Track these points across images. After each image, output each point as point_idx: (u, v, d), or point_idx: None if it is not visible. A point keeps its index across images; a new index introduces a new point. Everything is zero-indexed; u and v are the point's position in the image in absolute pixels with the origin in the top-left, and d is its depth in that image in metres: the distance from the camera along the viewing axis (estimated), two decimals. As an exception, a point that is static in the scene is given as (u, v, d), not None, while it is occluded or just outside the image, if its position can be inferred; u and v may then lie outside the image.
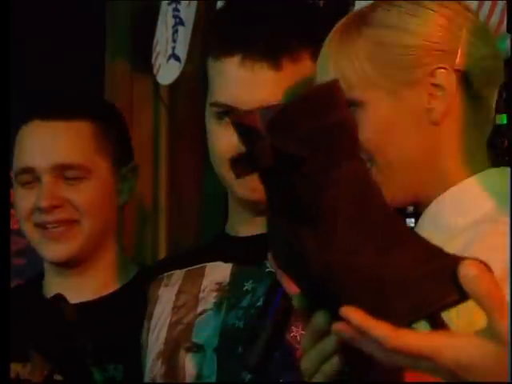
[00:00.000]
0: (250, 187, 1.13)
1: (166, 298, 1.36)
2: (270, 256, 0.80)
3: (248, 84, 1.17)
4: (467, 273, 0.61)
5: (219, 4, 1.90)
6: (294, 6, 1.26)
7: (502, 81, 1.03)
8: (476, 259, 0.63)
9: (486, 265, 0.62)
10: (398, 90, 0.96)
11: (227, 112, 1.17)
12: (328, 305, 0.66)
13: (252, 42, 1.17)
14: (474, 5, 1.44)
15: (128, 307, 1.48)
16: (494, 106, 1.01)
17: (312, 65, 1.16)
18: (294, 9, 1.25)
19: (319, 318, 0.67)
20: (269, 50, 1.15)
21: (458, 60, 0.95)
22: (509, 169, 0.99)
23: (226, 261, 1.32)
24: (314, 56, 1.11)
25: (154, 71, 2.02)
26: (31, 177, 1.47)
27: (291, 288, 0.78)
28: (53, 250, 1.47)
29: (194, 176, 2.28)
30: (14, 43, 2.09)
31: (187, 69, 1.96)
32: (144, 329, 1.36)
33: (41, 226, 1.45)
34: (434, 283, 0.63)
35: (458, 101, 0.94)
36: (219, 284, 1.33)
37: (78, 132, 1.49)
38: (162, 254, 2.16)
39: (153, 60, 2.01)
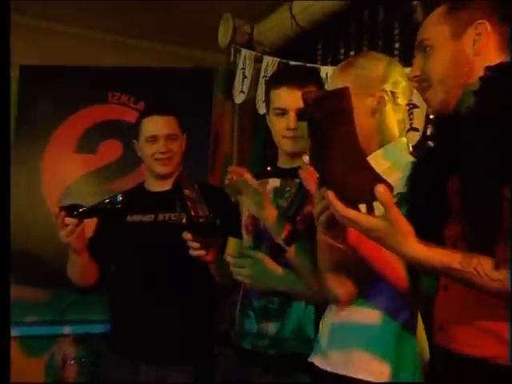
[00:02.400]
0: (285, 149, 1.75)
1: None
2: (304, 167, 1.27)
3: (289, 97, 1.70)
4: (378, 190, 1.00)
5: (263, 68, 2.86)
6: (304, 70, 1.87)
7: (408, 97, 1.51)
8: (387, 183, 1.01)
9: (391, 188, 1.01)
10: (363, 98, 1.42)
11: (282, 111, 1.71)
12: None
13: (289, 79, 1.72)
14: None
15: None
16: (405, 109, 1.49)
17: (316, 88, 1.69)
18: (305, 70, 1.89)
19: (322, 192, 1.08)
20: (296, 82, 1.69)
21: (389, 85, 1.45)
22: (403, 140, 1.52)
23: (278, 177, 1.81)
24: (318, 86, 1.72)
25: (234, 98, 3.19)
26: (154, 139, 2.13)
27: (312, 184, 1.22)
28: (162, 169, 2.17)
29: (248, 149, 3.52)
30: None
31: (247, 97, 3.10)
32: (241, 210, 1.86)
33: (159, 159, 2.13)
34: (367, 190, 1.01)
35: (390, 105, 1.44)
36: (275, 188, 1.81)
37: (172, 120, 2.19)
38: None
39: (233, 93, 3.18)
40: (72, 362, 2.72)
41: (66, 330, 2.94)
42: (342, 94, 1.04)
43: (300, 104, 1.47)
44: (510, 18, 1.21)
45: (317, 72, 1.99)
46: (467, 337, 1.15)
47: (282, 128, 1.72)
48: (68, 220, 1.90)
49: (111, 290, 2.22)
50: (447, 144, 1.20)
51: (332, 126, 1.01)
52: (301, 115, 1.43)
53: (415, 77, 1.28)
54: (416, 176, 1.30)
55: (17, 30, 2.63)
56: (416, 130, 2.17)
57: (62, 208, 1.93)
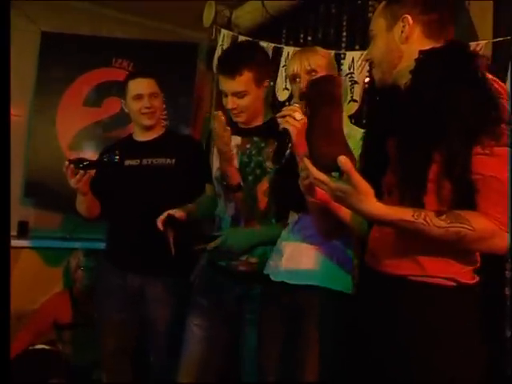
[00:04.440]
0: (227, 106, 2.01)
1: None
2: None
3: (228, 83, 1.96)
4: (340, 159, 1.10)
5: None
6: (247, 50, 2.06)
7: None
8: (351, 155, 1.11)
9: (353, 159, 1.08)
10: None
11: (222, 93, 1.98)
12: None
13: (226, 68, 1.96)
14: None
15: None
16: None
17: (251, 78, 1.97)
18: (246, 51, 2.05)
19: (305, 162, 1.16)
20: (232, 70, 1.93)
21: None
22: None
23: (239, 135, 2.10)
24: (254, 73, 1.95)
25: (213, 69, 3.26)
26: (139, 97, 2.32)
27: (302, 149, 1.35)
28: (147, 122, 2.41)
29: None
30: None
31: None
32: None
33: (144, 113, 2.37)
34: (336, 158, 1.08)
35: None
36: (237, 145, 2.08)
37: (153, 81, 2.41)
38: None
39: (213, 65, 3.27)
40: (81, 269, 3.22)
41: (77, 245, 3.42)
42: (334, 80, 1.16)
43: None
44: (430, 10, 1.33)
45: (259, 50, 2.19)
46: (392, 261, 1.31)
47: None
48: (75, 171, 2.18)
49: (108, 217, 2.56)
50: (386, 111, 1.29)
51: (319, 105, 1.11)
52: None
53: (367, 59, 1.44)
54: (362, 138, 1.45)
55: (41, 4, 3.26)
56: (355, 101, 2.50)
57: (70, 161, 2.17)
